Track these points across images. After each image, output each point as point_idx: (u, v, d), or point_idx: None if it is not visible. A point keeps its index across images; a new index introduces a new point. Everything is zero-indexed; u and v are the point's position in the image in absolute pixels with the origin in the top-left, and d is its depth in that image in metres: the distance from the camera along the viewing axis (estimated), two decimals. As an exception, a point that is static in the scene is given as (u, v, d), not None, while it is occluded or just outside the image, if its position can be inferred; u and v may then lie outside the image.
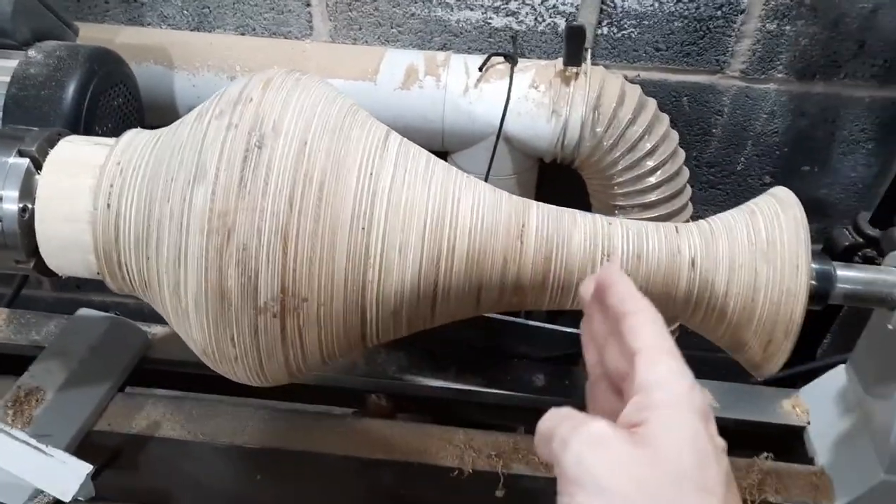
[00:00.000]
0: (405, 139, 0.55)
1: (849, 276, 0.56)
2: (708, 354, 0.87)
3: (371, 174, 0.51)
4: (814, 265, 0.55)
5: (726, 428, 0.72)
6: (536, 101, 0.87)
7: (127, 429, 0.67)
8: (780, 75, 0.94)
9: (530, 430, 0.69)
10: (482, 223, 0.53)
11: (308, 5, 0.92)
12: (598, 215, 0.57)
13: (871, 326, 0.66)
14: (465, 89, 0.87)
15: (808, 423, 0.73)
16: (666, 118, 0.91)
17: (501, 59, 0.88)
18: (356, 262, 0.50)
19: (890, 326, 0.57)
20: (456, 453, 0.68)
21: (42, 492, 0.51)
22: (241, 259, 0.47)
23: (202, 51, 0.88)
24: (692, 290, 0.54)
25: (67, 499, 0.45)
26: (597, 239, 0.54)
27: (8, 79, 0.68)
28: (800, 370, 0.79)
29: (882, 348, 0.64)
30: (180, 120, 0.54)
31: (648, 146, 0.88)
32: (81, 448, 0.65)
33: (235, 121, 0.49)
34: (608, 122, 0.87)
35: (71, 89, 0.69)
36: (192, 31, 0.95)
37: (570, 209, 0.56)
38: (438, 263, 0.52)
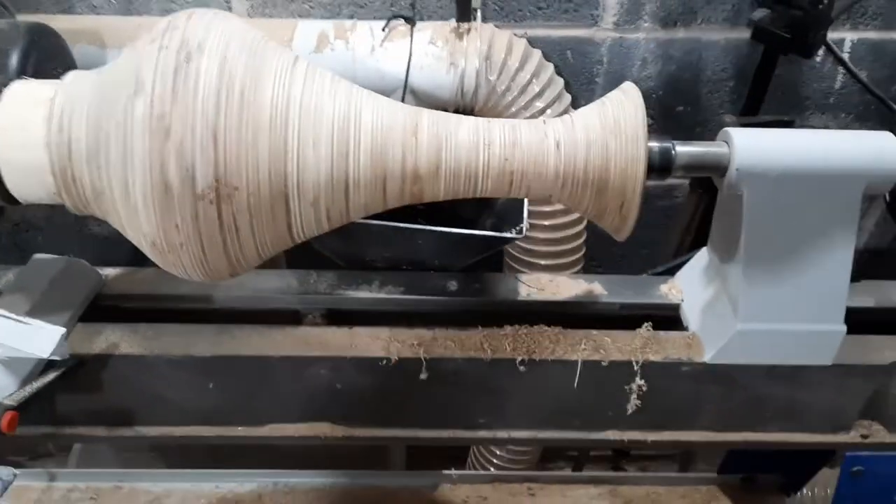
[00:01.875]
0: (312, 64, 0.66)
1: (685, 149, 0.68)
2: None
3: (284, 84, 0.61)
4: (656, 143, 0.67)
5: (612, 312, 0.85)
6: (436, 56, 0.99)
7: (88, 350, 0.75)
8: (646, 24, 1.09)
9: (447, 324, 0.80)
10: (381, 122, 0.64)
11: (225, -13, 1.03)
12: (478, 117, 0.68)
13: (718, 205, 0.79)
14: (372, 49, 0.99)
15: (682, 300, 0.85)
16: (551, 66, 1.04)
17: (402, 21, 1.00)
18: (277, 156, 0.60)
19: (725, 190, 0.70)
20: (383, 346, 0.78)
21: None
22: (178, 153, 0.57)
23: (131, 31, 0.98)
24: (559, 167, 0.66)
25: (46, 356, 0.53)
26: (478, 132, 0.66)
27: (-45, 50, 0.76)
28: (678, 263, 0.92)
29: (726, 219, 0.77)
30: (115, 58, 0.64)
31: (537, 89, 1.01)
32: (47, 368, 0.72)
33: (166, 43, 0.59)
34: (499, 70, 1.00)
35: (14, 58, 0.77)
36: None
37: (456, 114, 0.68)
38: (347, 157, 0.62)
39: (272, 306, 0.85)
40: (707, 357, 0.78)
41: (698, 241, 1.16)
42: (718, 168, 0.69)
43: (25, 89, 0.64)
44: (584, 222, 1.12)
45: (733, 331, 0.76)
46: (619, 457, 1.70)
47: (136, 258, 1.23)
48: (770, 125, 0.85)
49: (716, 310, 0.79)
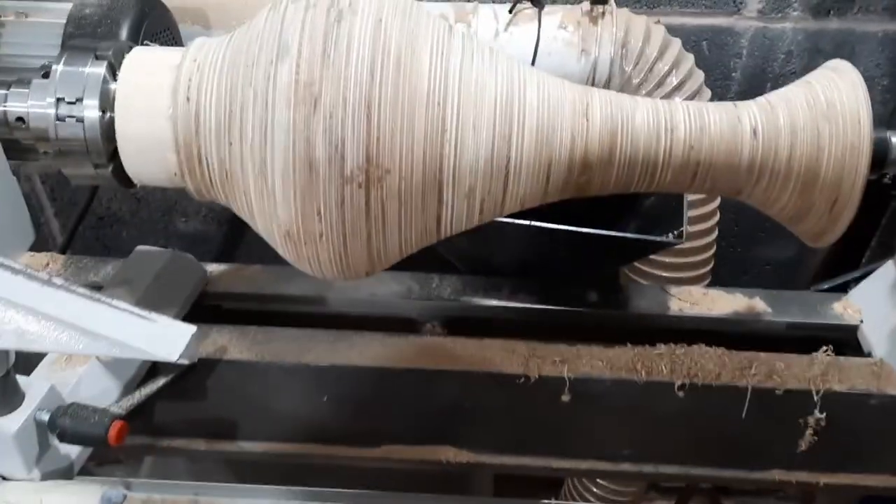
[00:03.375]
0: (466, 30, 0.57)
1: (902, 140, 0.58)
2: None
3: (442, 53, 0.53)
4: (870, 132, 0.57)
5: (778, 332, 0.74)
6: (566, 41, 0.90)
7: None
8: (795, 13, 0.98)
9: (588, 340, 0.70)
10: (548, 101, 0.54)
11: (337, -34, 0.95)
12: (656, 98, 0.59)
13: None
14: (496, 34, 0.90)
15: (861, 321, 0.74)
16: (690, 56, 0.93)
17: (529, 3, 0.91)
18: (433, 136, 0.51)
19: (944, 192, 0.59)
20: (520, 361, 0.68)
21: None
22: (328, 127, 0.48)
23: (237, 11, 0.91)
24: (755, 157, 0.55)
25: (174, 358, 0.46)
26: (659, 115, 0.56)
27: (64, 20, 0.70)
28: (847, 279, 0.81)
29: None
30: (250, 20, 0.56)
31: (675, 81, 0.91)
32: (152, 371, 0.65)
33: (313, 2, 0.51)
34: (636, 59, 0.90)
35: (126, 27, 0.71)
36: (224, -4, 0.97)
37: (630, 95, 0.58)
38: (510, 139, 0.53)
39: (389, 312, 0.76)
40: (902, 389, 0.67)
41: (847, 256, 1.04)
42: (936, 165, 0.58)
43: (149, 55, 0.56)
44: (716, 231, 1.01)
45: (937, 359, 0.65)
46: (718, 491, 1.56)
47: (223, 257, 1.15)
48: None
49: (911, 334, 0.68)
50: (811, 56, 1.01)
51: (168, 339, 0.46)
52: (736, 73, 1.03)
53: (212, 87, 0.53)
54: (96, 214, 1.26)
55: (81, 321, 0.46)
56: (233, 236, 1.23)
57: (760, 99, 0.58)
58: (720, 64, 1.02)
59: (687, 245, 1.00)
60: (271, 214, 0.52)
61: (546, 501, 1.19)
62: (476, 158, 0.53)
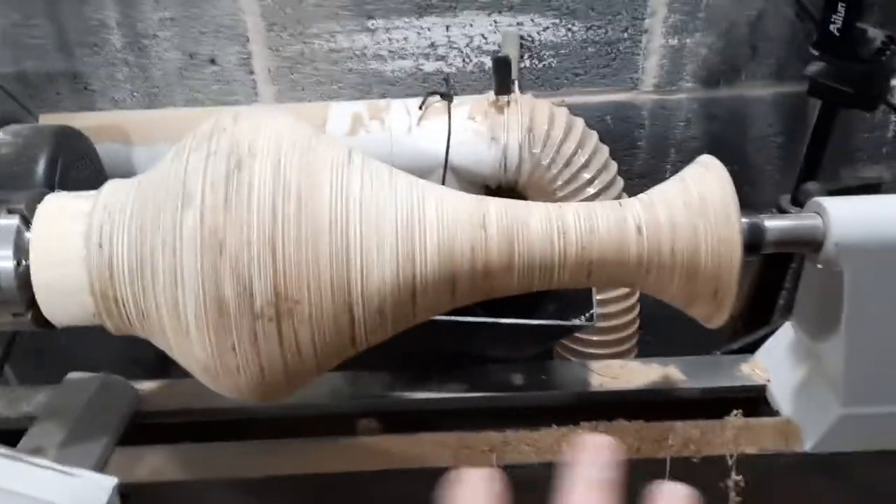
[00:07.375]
0: (366, 155, 0.61)
1: (776, 224, 0.63)
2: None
3: (341, 183, 0.56)
4: (745, 219, 0.62)
5: (693, 398, 0.78)
6: (475, 131, 0.94)
7: (130, 478, 0.68)
8: (688, 85, 1.05)
9: (517, 426, 0.73)
10: (447, 217, 0.58)
11: (251, 73, 0.99)
12: (548, 203, 0.63)
13: (804, 276, 0.73)
14: (409, 128, 0.94)
15: (768, 380, 0.78)
16: (595, 133, 0.99)
17: (438, 97, 0.96)
18: (339, 264, 0.55)
19: (819, 266, 0.64)
20: (450, 454, 0.71)
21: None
22: (234, 269, 0.51)
23: (157, 125, 0.94)
24: (642, 253, 0.60)
25: (96, 513, 0.47)
26: (551, 220, 0.60)
27: (-21, 161, 0.72)
28: (755, 338, 0.86)
29: (817, 293, 0.70)
30: (156, 164, 0.59)
31: (583, 160, 0.96)
32: None
33: (213, 148, 0.54)
34: (543, 142, 0.95)
35: (41, 164, 0.73)
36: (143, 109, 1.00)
37: (524, 201, 0.63)
38: (413, 258, 0.57)
39: (322, 412, 0.78)
40: (807, 446, 0.71)
41: (758, 313, 1.09)
42: (812, 243, 0.63)
43: (59, 204, 0.58)
44: (638, 308, 1.06)
45: (836, 416, 0.69)
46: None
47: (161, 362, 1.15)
48: (856, 190, 0.80)
49: (812, 393, 0.72)
50: (708, 121, 1.08)
51: (89, 494, 0.47)
52: (641, 141, 1.09)
53: (123, 233, 0.55)
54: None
55: (4, 481, 0.47)
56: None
57: (642, 196, 0.63)
58: (626, 135, 1.08)
59: (611, 323, 1.05)
60: (188, 351, 0.54)
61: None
62: (382, 279, 0.56)
